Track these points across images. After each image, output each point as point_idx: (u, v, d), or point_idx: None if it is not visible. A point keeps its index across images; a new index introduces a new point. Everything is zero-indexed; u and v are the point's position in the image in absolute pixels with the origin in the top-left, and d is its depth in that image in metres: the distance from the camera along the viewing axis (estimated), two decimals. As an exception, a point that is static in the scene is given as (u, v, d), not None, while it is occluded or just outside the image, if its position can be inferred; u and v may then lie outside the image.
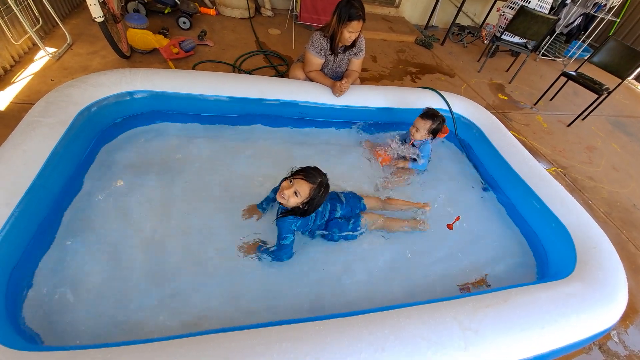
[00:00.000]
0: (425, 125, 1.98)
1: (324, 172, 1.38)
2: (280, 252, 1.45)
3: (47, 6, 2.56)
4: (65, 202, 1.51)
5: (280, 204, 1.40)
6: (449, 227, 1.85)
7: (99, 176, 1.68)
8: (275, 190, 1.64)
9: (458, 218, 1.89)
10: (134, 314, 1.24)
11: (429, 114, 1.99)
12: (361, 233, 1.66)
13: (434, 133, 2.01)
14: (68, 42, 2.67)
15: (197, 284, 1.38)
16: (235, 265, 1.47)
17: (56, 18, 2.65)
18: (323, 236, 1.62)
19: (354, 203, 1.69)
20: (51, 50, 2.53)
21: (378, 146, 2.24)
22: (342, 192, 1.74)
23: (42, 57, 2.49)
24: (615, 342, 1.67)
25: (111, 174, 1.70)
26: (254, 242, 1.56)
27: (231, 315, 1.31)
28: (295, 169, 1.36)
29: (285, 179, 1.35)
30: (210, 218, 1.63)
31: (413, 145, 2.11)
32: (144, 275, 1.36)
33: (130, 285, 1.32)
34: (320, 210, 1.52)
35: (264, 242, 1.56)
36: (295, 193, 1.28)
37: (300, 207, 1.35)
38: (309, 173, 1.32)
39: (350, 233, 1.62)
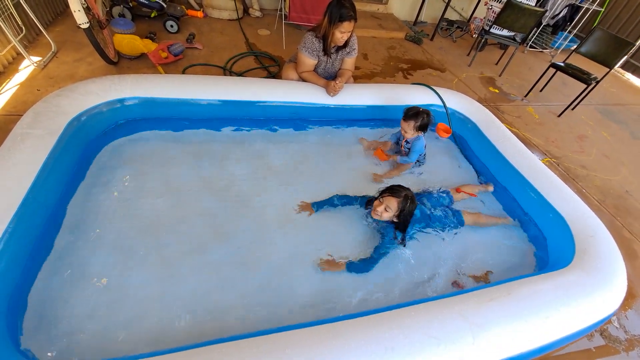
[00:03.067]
0: (409, 126, 1.98)
1: (406, 186, 1.57)
2: (374, 262, 1.52)
3: (30, 14, 2.50)
4: (60, 214, 1.47)
5: (376, 221, 1.65)
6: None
7: (93, 186, 1.64)
8: (340, 198, 1.80)
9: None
10: (133, 328, 1.22)
11: (410, 114, 1.98)
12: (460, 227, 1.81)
13: (422, 129, 2.01)
14: (53, 50, 2.61)
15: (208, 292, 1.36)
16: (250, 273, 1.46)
17: (40, 26, 2.59)
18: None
19: (439, 196, 1.87)
20: (36, 59, 2.46)
21: (376, 144, 2.27)
22: (428, 191, 1.92)
23: (27, 66, 2.42)
24: (616, 327, 1.69)
25: (105, 183, 1.67)
26: (331, 259, 1.55)
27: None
28: (381, 189, 1.59)
29: (375, 199, 1.60)
30: (212, 226, 1.61)
31: (407, 142, 2.13)
32: (142, 290, 1.33)
33: (129, 298, 1.29)
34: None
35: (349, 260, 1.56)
36: (386, 208, 1.50)
37: (396, 220, 1.55)
38: (394, 189, 1.54)
39: (454, 225, 1.79)
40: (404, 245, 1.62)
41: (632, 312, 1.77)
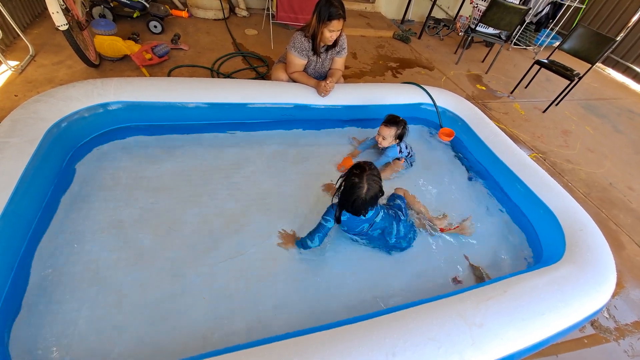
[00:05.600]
0: (390, 132, 1.97)
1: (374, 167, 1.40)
2: (312, 234, 1.49)
3: (7, 17, 2.38)
4: (41, 229, 1.40)
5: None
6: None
7: (76, 198, 1.57)
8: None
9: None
10: (123, 343, 1.17)
11: (392, 120, 1.97)
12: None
13: (399, 138, 2.00)
14: (31, 53, 2.50)
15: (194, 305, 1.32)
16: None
17: (17, 29, 2.47)
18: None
19: (405, 211, 1.74)
20: (13, 63, 2.35)
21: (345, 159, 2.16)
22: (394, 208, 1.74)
23: (4, 71, 2.31)
24: (606, 317, 1.73)
25: (89, 194, 1.60)
26: (292, 233, 1.62)
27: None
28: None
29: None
30: (203, 234, 1.57)
31: (382, 149, 2.10)
32: (131, 302, 1.29)
33: (116, 312, 1.25)
34: (387, 227, 1.59)
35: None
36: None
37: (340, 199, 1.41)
38: (356, 164, 1.39)
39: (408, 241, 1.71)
40: (335, 220, 1.48)
41: (621, 302, 1.82)
